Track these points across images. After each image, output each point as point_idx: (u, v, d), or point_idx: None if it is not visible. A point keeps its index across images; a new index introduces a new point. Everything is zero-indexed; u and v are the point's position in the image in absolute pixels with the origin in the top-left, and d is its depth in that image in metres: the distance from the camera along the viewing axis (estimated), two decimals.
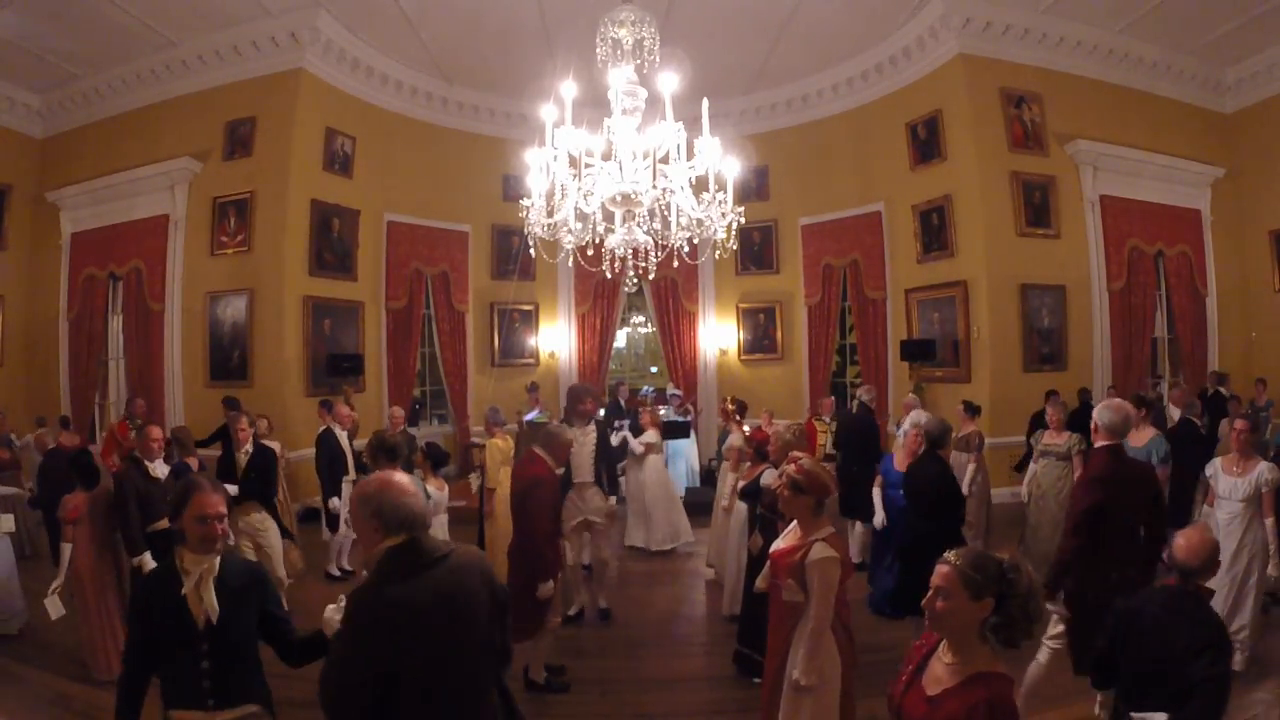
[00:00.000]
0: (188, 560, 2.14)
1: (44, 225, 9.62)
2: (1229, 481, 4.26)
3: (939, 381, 8.95)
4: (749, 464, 5.83)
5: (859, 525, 6.24)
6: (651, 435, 7.11)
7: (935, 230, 9.05)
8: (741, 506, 4.76)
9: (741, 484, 4.85)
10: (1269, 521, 4.08)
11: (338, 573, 6.14)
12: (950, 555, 1.80)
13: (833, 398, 9.42)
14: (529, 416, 8.76)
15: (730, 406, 6.97)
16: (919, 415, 5.42)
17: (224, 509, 2.19)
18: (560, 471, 4.17)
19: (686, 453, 9.02)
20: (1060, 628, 3.42)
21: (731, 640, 4.34)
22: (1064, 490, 5.29)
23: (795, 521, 2.90)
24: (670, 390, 10.52)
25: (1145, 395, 5.88)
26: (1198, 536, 2.46)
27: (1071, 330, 8.69)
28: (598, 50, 4.06)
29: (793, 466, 2.85)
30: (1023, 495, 5.82)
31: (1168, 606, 2.41)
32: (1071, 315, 8.68)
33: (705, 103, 3.80)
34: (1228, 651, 2.35)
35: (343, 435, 6.47)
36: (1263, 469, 4.14)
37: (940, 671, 1.81)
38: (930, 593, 1.80)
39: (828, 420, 8.23)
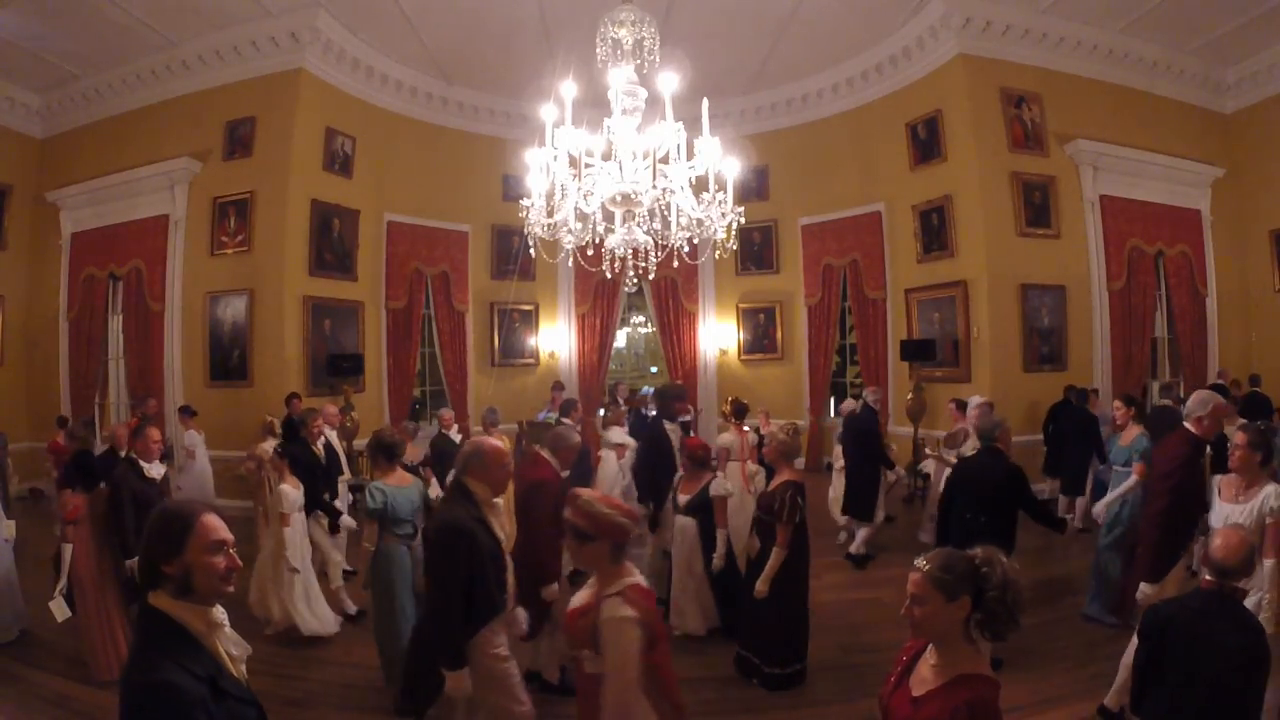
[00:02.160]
0: (198, 618, 1.57)
1: (44, 225, 9.62)
2: (1224, 509, 3.39)
3: (939, 381, 8.95)
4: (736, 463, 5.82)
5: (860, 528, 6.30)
6: (618, 434, 6.89)
7: (935, 230, 9.05)
8: (687, 521, 4.50)
9: (683, 498, 4.59)
10: (1268, 564, 3.06)
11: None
12: (920, 561, 1.80)
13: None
14: (540, 416, 8.72)
15: (726, 408, 6.94)
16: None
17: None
18: (566, 474, 4.04)
19: None
20: None
21: (732, 641, 4.35)
22: None
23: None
24: None
25: (1133, 395, 5.84)
26: (1235, 536, 2.41)
27: (1071, 330, 8.69)
28: (598, 50, 4.06)
29: (569, 510, 2.28)
30: None
31: (1203, 609, 2.35)
32: (1071, 315, 8.68)
33: (705, 103, 3.80)
34: (1266, 661, 2.28)
35: (332, 435, 6.42)
36: (1269, 494, 3.22)
37: (926, 673, 1.82)
38: (907, 601, 1.80)
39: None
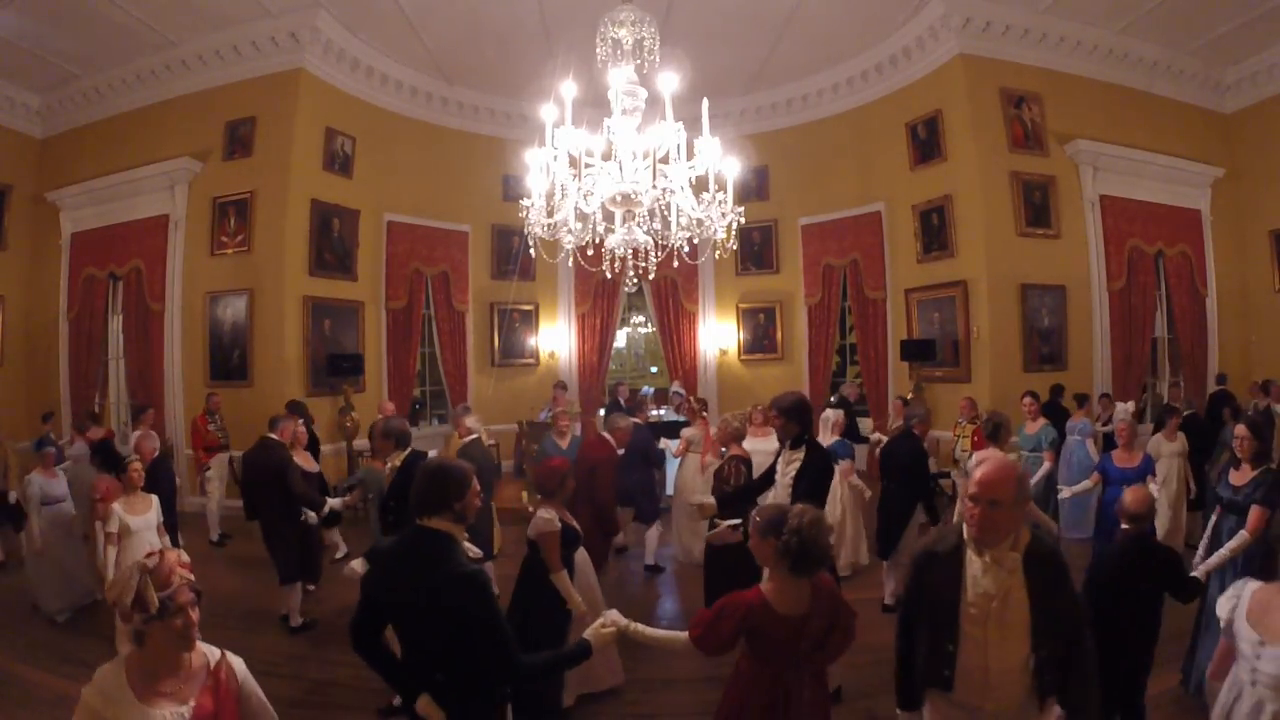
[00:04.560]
0: (462, 534, 2.26)
1: (44, 225, 9.62)
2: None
3: (939, 381, 8.95)
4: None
5: None
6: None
7: (935, 230, 9.05)
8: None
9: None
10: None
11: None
12: (756, 510, 2.50)
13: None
14: (541, 415, 8.72)
15: (695, 404, 7.20)
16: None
17: None
18: (621, 451, 5.41)
19: None
20: None
21: None
22: None
23: None
24: (673, 389, 10.51)
25: (1032, 391, 6.54)
26: (1142, 491, 3.07)
27: (1071, 330, 8.69)
28: (598, 50, 4.06)
29: None
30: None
31: (1128, 548, 2.96)
32: (1071, 315, 8.68)
33: (705, 103, 3.80)
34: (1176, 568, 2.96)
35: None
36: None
37: None
38: None
39: (963, 422, 7.21)
